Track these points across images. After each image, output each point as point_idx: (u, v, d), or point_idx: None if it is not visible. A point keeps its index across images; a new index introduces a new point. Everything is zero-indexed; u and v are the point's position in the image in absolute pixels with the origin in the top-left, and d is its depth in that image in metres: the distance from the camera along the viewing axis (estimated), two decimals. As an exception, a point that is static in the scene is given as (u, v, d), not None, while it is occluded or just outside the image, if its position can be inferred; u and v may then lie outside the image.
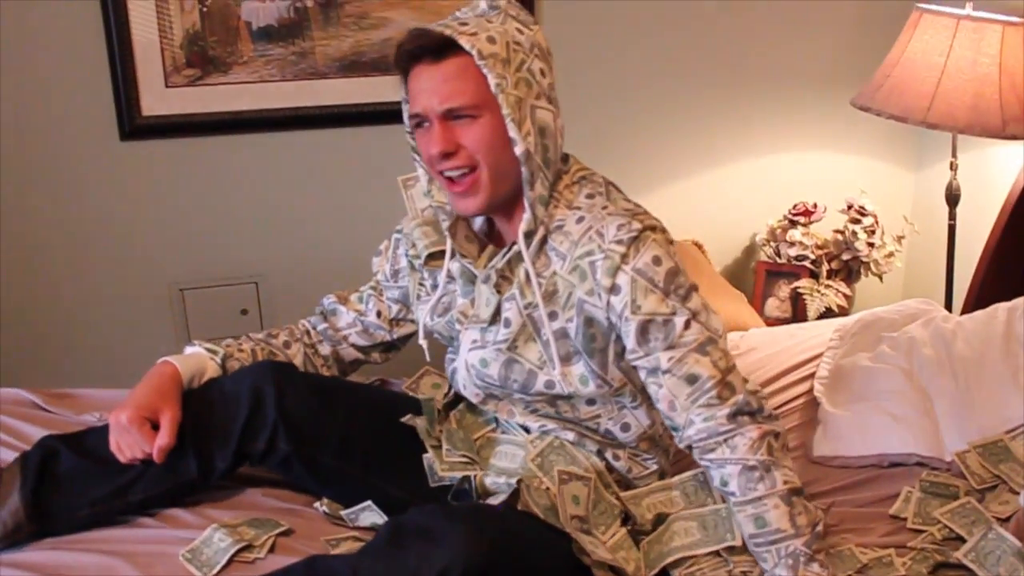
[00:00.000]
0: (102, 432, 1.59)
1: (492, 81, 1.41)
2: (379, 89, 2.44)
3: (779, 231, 2.66)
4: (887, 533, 1.61)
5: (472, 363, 1.58)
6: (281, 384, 1.60)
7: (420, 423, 1.65)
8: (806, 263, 2.61)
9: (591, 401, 1.56)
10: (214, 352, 1.68)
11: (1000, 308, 2.00)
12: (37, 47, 2.26)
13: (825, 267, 2.61)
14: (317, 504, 1.67)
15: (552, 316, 1.50)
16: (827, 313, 2.54)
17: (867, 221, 2.59)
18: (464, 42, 1.41)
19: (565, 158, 1.56)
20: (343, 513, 1.63)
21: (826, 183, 2.75)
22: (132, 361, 2.50)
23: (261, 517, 1.61)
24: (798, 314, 2.61)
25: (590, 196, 1.52)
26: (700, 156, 2.71)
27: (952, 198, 2.42)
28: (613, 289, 1.44)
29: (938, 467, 1.76)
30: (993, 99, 2.11)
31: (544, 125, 1.46)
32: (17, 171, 2.33)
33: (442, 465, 1.59)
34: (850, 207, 2.62)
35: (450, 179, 1.48)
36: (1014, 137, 2.12)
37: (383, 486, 1.62)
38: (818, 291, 2.57)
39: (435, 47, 1.43)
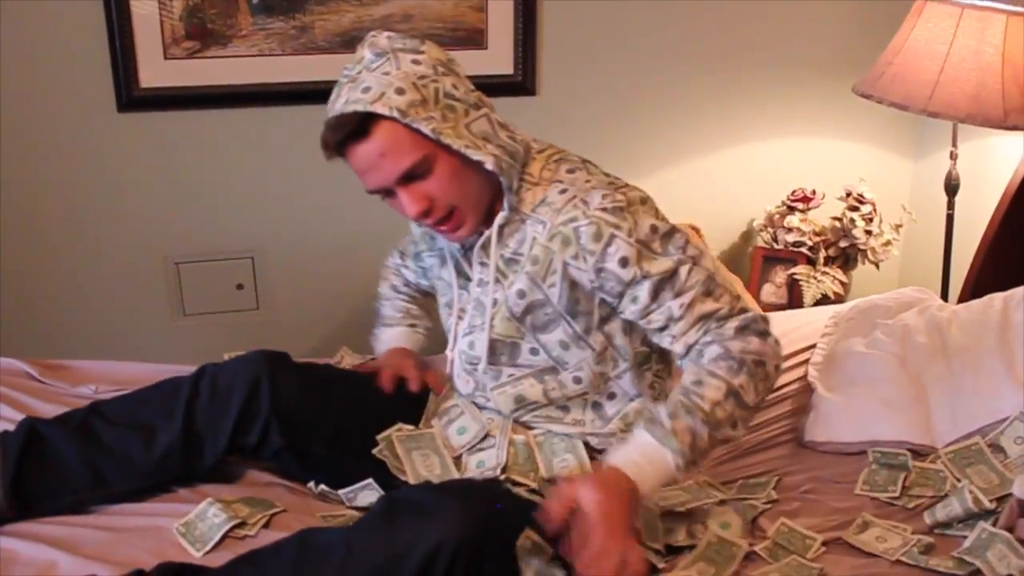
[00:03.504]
0: (86, 416, 1.60)
1: (427, 130, 1.42)
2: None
3: (777, 217, 2.66)
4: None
5: (463, 348, 1.62)
6: (275, 377, 1.61)
7: (389, 456, 1.65)
8: (803, 249, 2.61)
9: (577, 380, 1.58)
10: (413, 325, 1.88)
11: (996, 298, 2.00)
12: (36, 18, 2.24)
13: (822, 254, 2.61)
14: (311, 484, 1.68)
15: (534, 284, 1.53)
16: (823, 300, 2.54)
17: (865, 209, 2.59)
18: (380, 110, 1.41)
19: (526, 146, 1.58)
20: (341, 492, 1.64)
21: (825, 170, 2.75)
22: (127, 333, 2.51)
23: (256, 496, 1.61)
24: (794, 300, 2.61)
25: (571, 171, 1.55)
26: (699, 140, 2.71)
27: (951, 187, 2.42)
28: (623, 259, 1.47)
29: (928, 453, 1.77)
30: (995, 89, 2.10)
31: (484, 133, 1.49)
32: (14, 142, 2.32)
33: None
34: (849, 194, 2.62)
35: (436, 225, 1.52)
36: (1015, 127, 2.11)
37: (377, 473, 1.63)
38: (814, 278, 2.57)
39: (355, 129, 1.43)
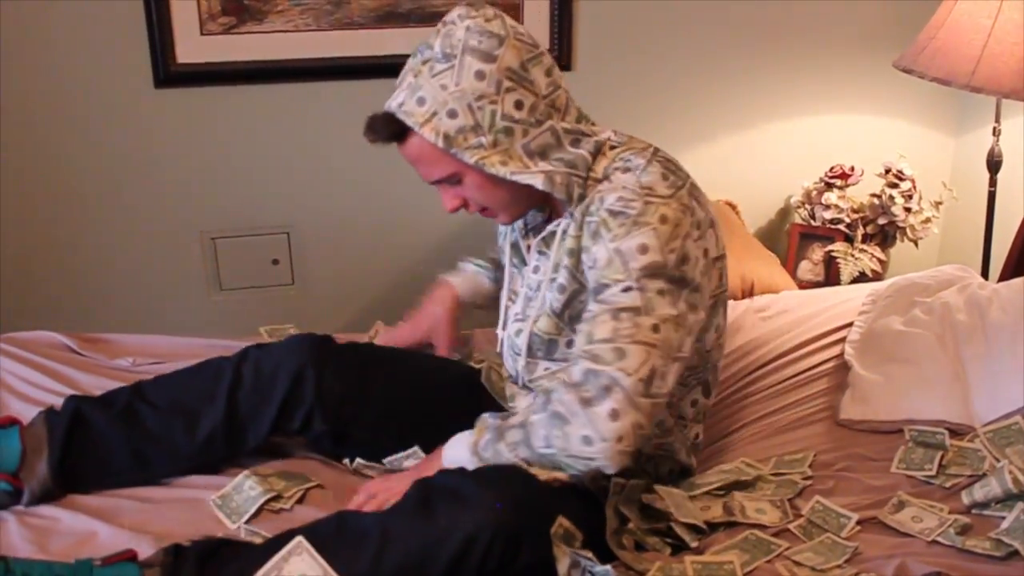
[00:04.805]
0: (129, 400, 1.61)
1: (469, 160, 1.41)
2: (414, 40, 2.38)
3: (815, 193, 2.63)
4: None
5: (510, 334, 1.62)
6: (321, 364, 1.62)
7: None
8: (841, 226, 2.58)
9: None
10: (485, 267, 1.84)
11: (1039, 277, 1.97)
12: (74, -8, 2.26)
13: (860, 231, 2.58)
14: (347, 461, 1.69)
15: (571, 276, 1.51)
16: (860, 277, 2.51)
17: (905, 186, 2.55)
18: (428, 135, 1.40)
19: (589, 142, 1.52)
20: (385, 461, 1.65)
21: (864, 146, 2.71)
22: (164, 307, 2.54)
23: (292, 470, 1.63)
24: (831, 278, 2.58)
25: (625, 171, 1.47)
26: (737, 115, 2.68)
27: (993, 164, 2.38)
28: (596, 261, 1.44)
29: (965, 433, 1.75)
30: (1040, 63, 2.06)
31: (543, 147, 1.45)
32: (52, 118, 2.34)
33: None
34: (888, 171, 2.58)
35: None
36: (1060, 103, 2.08)
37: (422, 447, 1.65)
38: (852, 255, 2.54)
39: (392, 135, 1.44)
